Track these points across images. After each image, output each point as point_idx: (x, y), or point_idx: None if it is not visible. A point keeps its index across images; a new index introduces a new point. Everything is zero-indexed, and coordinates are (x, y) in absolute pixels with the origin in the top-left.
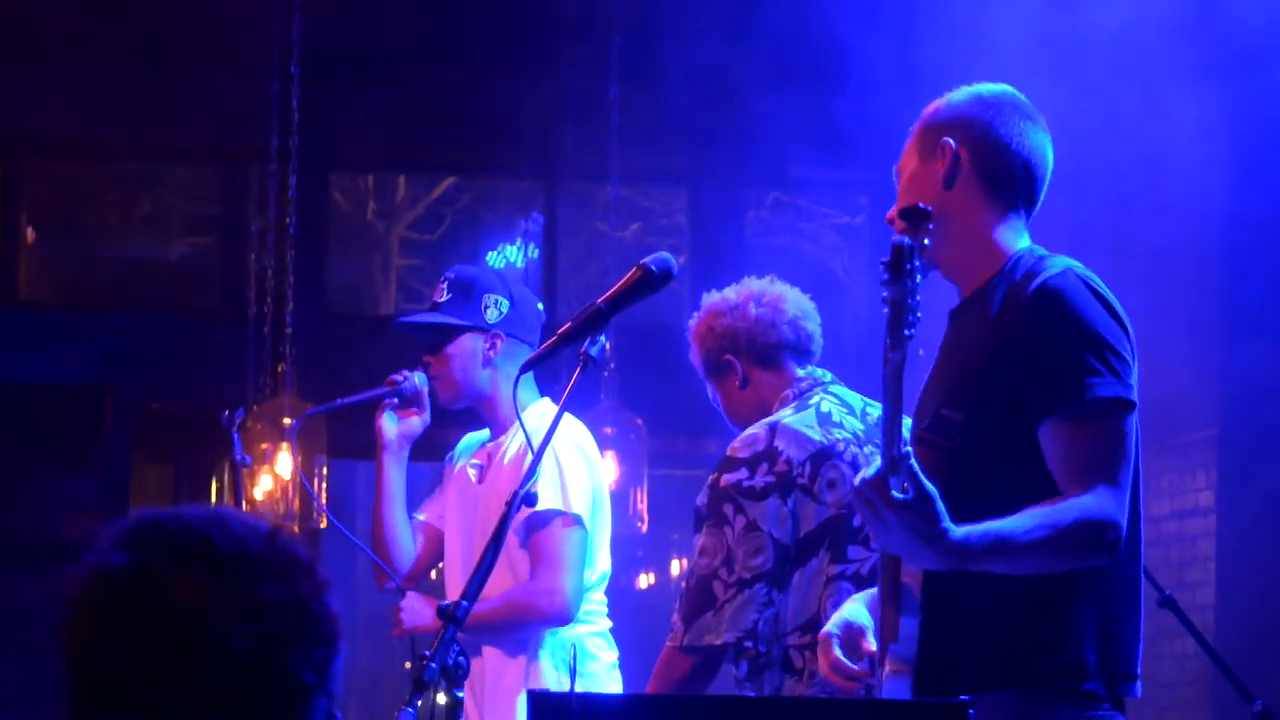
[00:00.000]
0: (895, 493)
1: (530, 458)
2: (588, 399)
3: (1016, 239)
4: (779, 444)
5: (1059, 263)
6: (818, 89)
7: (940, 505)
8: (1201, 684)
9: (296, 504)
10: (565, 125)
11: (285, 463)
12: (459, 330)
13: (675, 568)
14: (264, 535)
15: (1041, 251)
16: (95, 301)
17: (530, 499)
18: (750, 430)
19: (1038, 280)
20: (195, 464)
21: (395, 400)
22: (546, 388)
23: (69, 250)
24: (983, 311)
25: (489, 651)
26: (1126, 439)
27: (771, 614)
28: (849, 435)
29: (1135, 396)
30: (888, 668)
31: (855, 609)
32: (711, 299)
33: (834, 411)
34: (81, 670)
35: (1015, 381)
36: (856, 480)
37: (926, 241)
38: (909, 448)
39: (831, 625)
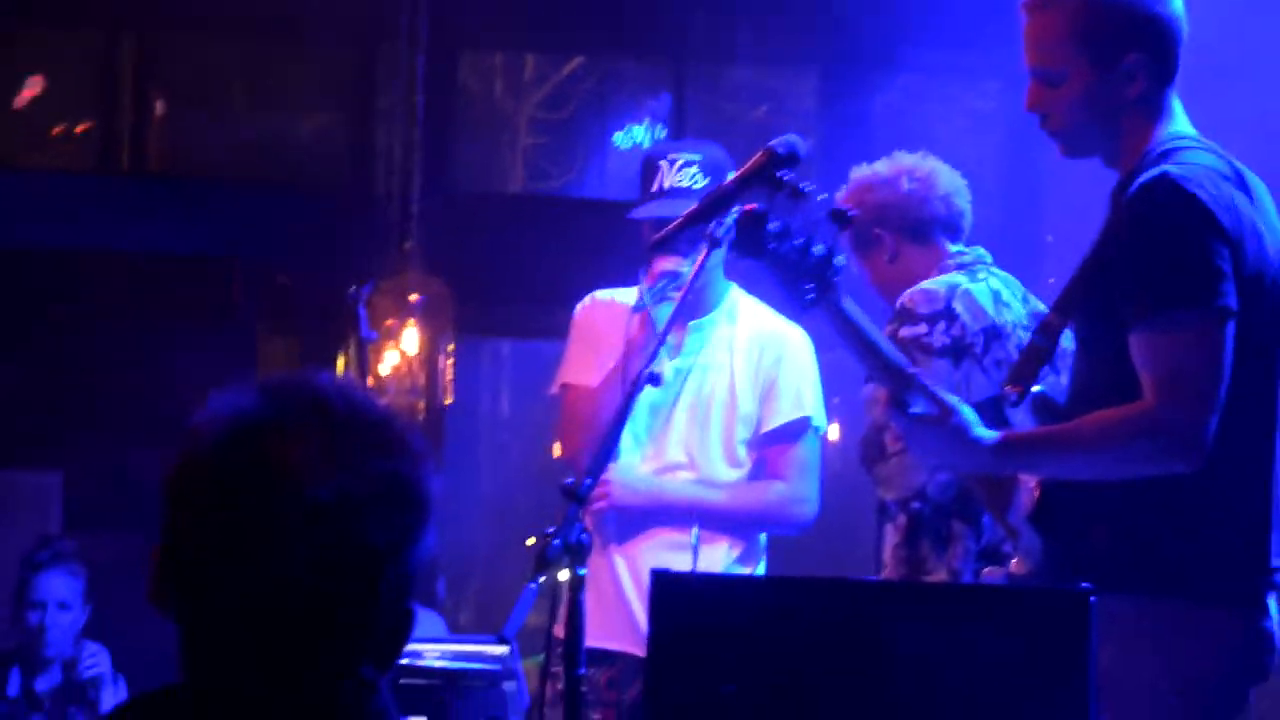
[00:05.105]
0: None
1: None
2: None
3: (1170, 122)
4: (957, 306)
5: (1168, 161)
6: None
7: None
8: None
9: (423, 380)
10: (695, 5)
11: (411, 339)
12: None
13: None
14: (380, 411)
15: (1180, 142)
16: (224, 175)
17: (655, 379)
18: (927, 285)
19: (1135, 182)
20: (321, 338)
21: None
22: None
23: (200, 124)
24: (1118, 202)
25: (660, 533)
26: (1206, 349)
27: (943, 478)
28: (1015, 319)
29: (1222, 304)
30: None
31: None
32: (860, 172)
33: (1003, 292)
34: (176, 504)
35: (1111, 290)
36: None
37: None
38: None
39: None
